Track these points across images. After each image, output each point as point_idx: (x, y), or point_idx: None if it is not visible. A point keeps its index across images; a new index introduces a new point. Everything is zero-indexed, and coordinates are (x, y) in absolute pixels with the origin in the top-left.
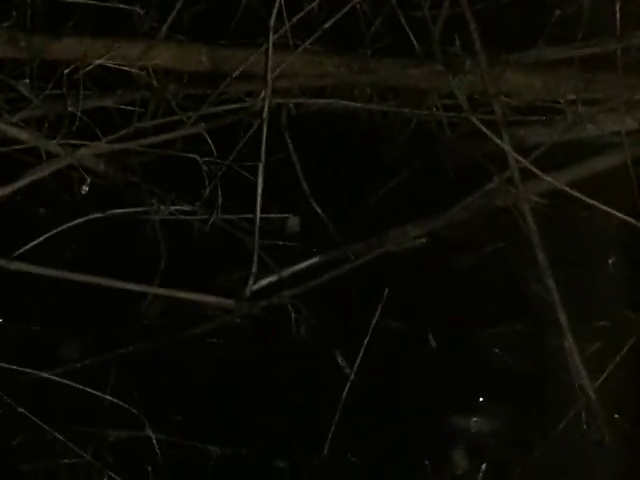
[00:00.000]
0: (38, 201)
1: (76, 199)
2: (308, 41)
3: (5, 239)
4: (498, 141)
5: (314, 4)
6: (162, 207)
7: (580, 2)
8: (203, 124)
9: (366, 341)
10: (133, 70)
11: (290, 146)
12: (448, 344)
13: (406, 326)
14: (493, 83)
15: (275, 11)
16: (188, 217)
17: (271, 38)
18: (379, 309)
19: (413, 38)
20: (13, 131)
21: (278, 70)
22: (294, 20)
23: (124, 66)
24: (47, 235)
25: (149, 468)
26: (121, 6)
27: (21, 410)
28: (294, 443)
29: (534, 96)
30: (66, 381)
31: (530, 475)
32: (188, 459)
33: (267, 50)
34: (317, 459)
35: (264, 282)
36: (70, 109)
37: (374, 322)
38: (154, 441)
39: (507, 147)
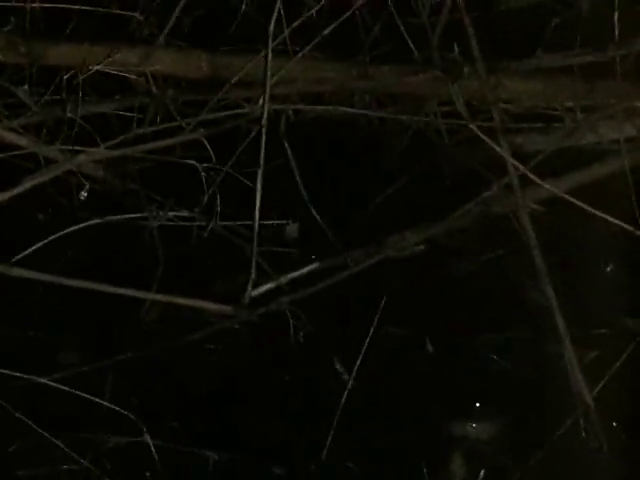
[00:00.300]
0: (37, 207)
1: (75, 205)
2: (307, 47)
3: (4, 245)
4: (497, 148)
5: (313, 10)
6: (161, 213)
7: (579, 9)
8: (202, 130)
9: (365, 347)
10: (132, 76)
11: (289, 152)
12: (446, 350)
13: (404, 332)
14: (492, 90)
15: (274, 17)
16: (187, 223)
17: (270, 44)
18: (377, 316)
19: (412, 45)
20: (12, 137)
21: (277, 76)
22: (293, 26)
23: (123, 72)
24: (46, 241)
25: (147, 474)
26: (120, 12)
27: (19, 415)
28: (292, 449)
29: (533, 103)
30: (64, 387)
31: None
32: (186, 465)
33: (266, 56)
34: (315, 465)
35: (263, 288)
36: (69, 115)
37: (373, 329)
38: (152, 447)
39: (506, 154)
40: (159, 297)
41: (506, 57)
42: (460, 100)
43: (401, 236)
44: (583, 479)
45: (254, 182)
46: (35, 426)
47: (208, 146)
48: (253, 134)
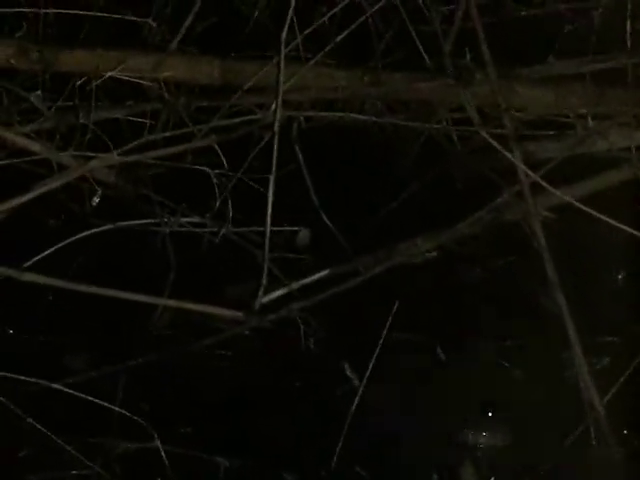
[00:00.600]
0: (49, 212)
1: (87, 211)
2: (319, 54)
3: (16, 250)
4: (508, 155)
5: (325, 17)
6: (172, 219)
7: (591, 17)
8: (214, 136)
9: (375, 354)
10: (145, 82)
11: (301, 159)
12: (457, 357)
13: (415, 339)
14: (503, 97)
15: (287, 24)
16: (198, 229)
17: (282, 51)
18: (388, 322)
19: (423, 52)
20: (25, 142)
21: (289, 83)
22: (305, 33)
23: (136, 78)
24: (58, 246)
25: None
26: (133, 18)
27: (29, 421)
28: (302, 455)
29: (544, 110)
30: (75, 392)
31: None
32: (196, 471)
33: (278, 63)
34: (325, 471)
35: (274, 295)
36: (82, 121)
37: (383, 335)
38: (162, 453)
39: (517, 161)
40: (170, 303)
41: (518, 64)
42: (472, 107)
43: (412, 243)
44: None
45: (266, 188)
46: (46, 431)
47: (220, 152)
48: (265, 140)
